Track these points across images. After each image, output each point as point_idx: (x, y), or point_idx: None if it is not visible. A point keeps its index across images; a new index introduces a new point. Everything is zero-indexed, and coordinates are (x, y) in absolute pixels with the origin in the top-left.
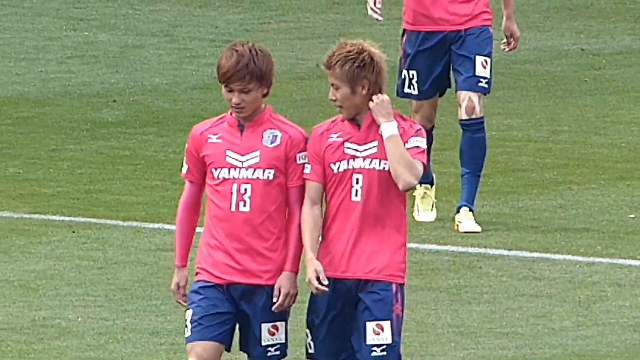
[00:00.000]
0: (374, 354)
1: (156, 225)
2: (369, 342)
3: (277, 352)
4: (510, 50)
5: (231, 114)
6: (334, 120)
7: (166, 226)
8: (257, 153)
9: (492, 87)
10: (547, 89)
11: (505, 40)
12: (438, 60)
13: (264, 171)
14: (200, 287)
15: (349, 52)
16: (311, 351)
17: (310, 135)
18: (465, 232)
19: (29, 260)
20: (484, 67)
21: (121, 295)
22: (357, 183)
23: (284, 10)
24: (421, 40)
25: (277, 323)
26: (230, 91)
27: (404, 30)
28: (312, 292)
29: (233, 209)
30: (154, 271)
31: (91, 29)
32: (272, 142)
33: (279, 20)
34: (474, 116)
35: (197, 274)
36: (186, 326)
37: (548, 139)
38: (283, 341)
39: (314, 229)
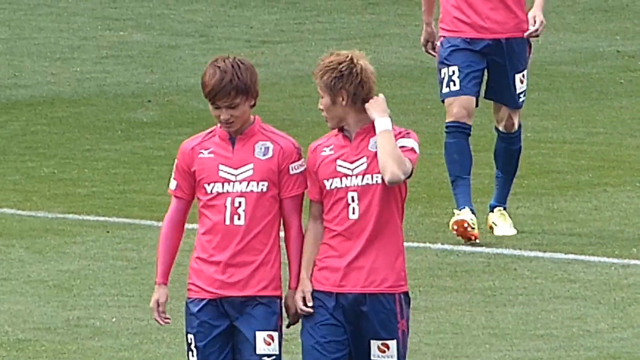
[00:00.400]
0: None
1: (190, 226)
2: (373, 358)
3: None
4: (533, 33)
5: (221, 127)
6: (329, 134)
7: None
8: (251, 166)
9: (528, 88)
10: (582, 90)
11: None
12: (477, 60)
13: (257, 184)
14: (198, 311)
15: (331, 62)
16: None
17: (308, 151)
18: (501, 235)
19: (63, 260)
20: (522, 82)
21: None
22: (352, 201)
23: (319, 10)
24: (460, 42)
25: (272, 333)
26: (218, 108)
27: (442, 37)
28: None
29: (228, 222)
30: (187, 272)
31: (126, 28)
32: (264, 155)
33: (314, 21)
34: (512, 131)
35: (189, 290)
36: (191, 351)
37: (583, 141)
38: (277, 353)
39: (313, 246)
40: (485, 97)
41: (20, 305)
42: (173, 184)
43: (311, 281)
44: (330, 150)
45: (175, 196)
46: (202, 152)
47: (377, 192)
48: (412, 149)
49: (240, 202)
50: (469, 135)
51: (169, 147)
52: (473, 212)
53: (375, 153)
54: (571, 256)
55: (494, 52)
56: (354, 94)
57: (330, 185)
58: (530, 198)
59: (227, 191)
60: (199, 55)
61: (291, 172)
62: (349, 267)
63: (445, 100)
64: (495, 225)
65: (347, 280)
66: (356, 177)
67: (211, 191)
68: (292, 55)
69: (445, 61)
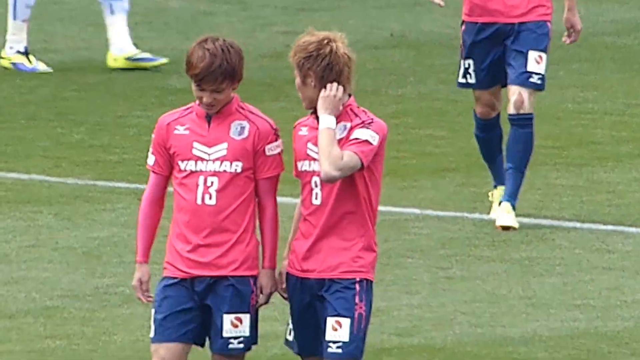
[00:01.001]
0: (329, 349)
1: None
2: (327, 338)
3: (241, 345)
4: (571, 42)
5: (199, 105)
6: (309, 116)
7: None
8: (225, 145)
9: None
10: (623, 61)
11: (566, 32)
12: (493, 51)
13: (231, 164)
14: (164, 286)
15: (304, 42)
16: (289, 337)
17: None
18: (502, 226)
19: (92, 228)
20: (538, 63)
21: None
22: (315, 186)
23: None
24: (477, 31)
25: (241, 315)
26: (202, 90)
27: (463, 21)
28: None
29: (199, 201)
30: None
31: None
32: (239, 134)
33: None
34: (522, 111)
35: (164, 269)
36: (150, 326)
37: (624, 112)
38: (247, 334)
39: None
40: (502, 86)
41: (48, 273)
42: (151, 159)
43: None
44: (306, 130)
45: (153, 171)
46: (177, 128)
47: (338, 181)
48: (366, 141)
49: (212, 182)
50: (498, 121)
51: None
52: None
53: (339, 139)
54: (610, 227)
55: (509, 34)
56: (321, 76)
57: (301, 167)
58: (569, 169)
59: (200, 170)
60: (236, 23)
61: (267, 153)
62: (309, 252)
63: (473, 92)
64: (498, 216)
65: (307, 265)
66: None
67: (185, 168)
68: (331, 24)
69: (464, 51)
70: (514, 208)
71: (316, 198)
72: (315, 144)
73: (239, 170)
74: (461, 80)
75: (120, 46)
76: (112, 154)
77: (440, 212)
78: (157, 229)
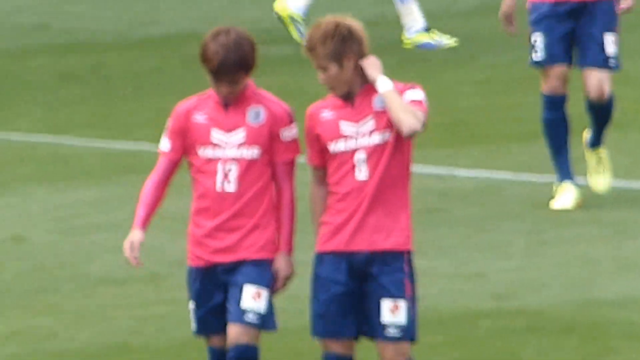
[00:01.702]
0: (387, 333)
1: None
2: (384, 320)
3: (256, 321)
4: (626, 9)
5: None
6: (325, 99)
7: None
8: (242, 131)
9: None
10: None
11: None
12: (563, 25)
13: (248, 149)
14: (194, 278)
15: (326, 30)
16: (316, 330)
17: (306, 116)
18: (556, 209)
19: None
20: (613, 45)
21: None
22: (360, 162)
23: None
24: (547, 8)
25: (261, 290)
26: (218, 82)
27: (529, 2)
28: (316, 269)
29: (218, 188)
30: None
31: None
32: (255, 119)
33: None
34: (604, 98)
35: (188, 257)
36: (192, 318)
37: None
38: (263, 312)
39: (321, 212)
40: (577, 63)
41: (155, 240)
42: (166, 144)
43: (319, 243)
44: (330, 111)
45: (165, 155)
46: (196, 116)
47: (385, 151)
48: (421, 101)
49: (231, 168)
50: (565, 105)
51: (304, 83)
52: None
53: (381, 111)
54: None
55: (580, 14)
56: (358, 52)
57: (334, 148)
58: None
59: (218, 156)
60: None
61: (282, 137)
62: (356, 228)
63: (541, 69)
64: (555, 199)
65: (355, 241)
66: (363, 136)
67: (203, 155)
68: None
69: (532, 28)
70: (599, 144)
71: (360, 173)
72: (351, 120)
73: (256, 155)
74: (533, 57)
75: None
76: None
77: (534, 176)
78: (157, 206)
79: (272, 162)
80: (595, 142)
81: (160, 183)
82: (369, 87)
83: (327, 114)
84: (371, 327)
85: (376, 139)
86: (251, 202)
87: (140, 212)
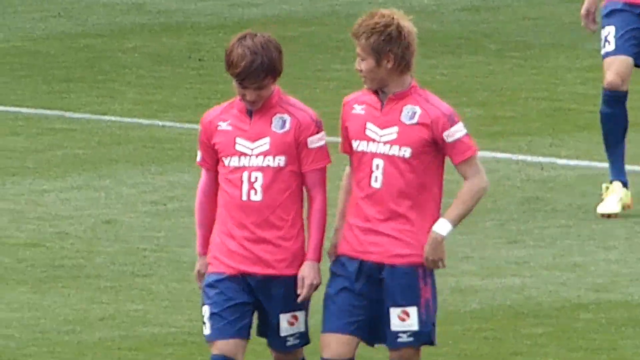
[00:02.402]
0: (400, 339)
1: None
2: (394, 328)
3: (297, 341)
4: None
5: (241, 100)
6: (363, 90)
7: None
8: (267, 140)
9: None
10: None
11: None
12: (635, 21)
13: (274, 158)
14: (215, 281)
15: (377, 23)
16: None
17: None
18: (602, 213)
19: None
20: None
21: None
22: (377, 169)
23: None
24: (621, 5)
25: (297, 313)
26: (244, 87)
27: (604, 2)
28: (331, 265)
29: (244, 197)
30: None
31: None
32: (281, 128)
33: None
34: None
35: (209, 264)
36: (204, 323)
37: None
38: (303, 330)
39: (344, 200)
40: (635, 65)
41: None
42: (199, 156)
43: (338, 242)
44: (362, 109)
45: (203, 167)
46: (220, 125)
47: (402, 165)
48: (466, 136)
49: (257, 177)
50: (625, 101)
51: None
52: (625, 184)
53: (407, 125)
54: None
55: None
56: (401, 57)
57: (357, 146)
58: None
59: (244, 165)
60: None
61: (310, 146)
62: (370, 235)
63: (604, 62)
64: (603, 201)
65: (368, 247)
66: (384, 144)
67: (229, 164)
68: None
69: (604, 22)
70: (627, 186)
71: (376, 181)
72: (376, 125)
73: (282, 164)
74: (603, 50)
75: None
76: (312, 107)
77: (637, 166)
78: (214, 222)
79: (300, 171)
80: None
81: (207, 193)
82: (402, 94)
83: (358, 110)
84: (383, 335)
85: (395, 150)
86: (278, 212)
87: (199, 236)
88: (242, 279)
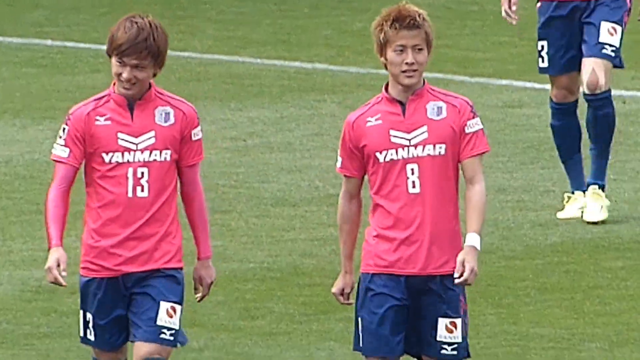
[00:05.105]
0: (444, 351)
1: (504, 82)
2: (439, 338)
3: (171, 338)
4: None
5: (114, 91)
6: (367, 104)
7: (514, 83)
8: (152, 134)
9: (622, 48)
10: None
11: None
12: (569, 31)
13: (161, 152)
14: (95, 288)
15: (417, 12)
16: (360, 344)
17: (344, 124)
18: (589, 222)
19: None
20: (611, 35)
21: None
22: (412, 174)
23: None
24: (552, 9)
25: (176, 305)
26: (122, 65)
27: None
28: (367, 284)
29: (130, 194)
30: (500, 128)
31: None
32: (166, 121)
33: None
34: (597, 91)
35: (84, 267)
36: (87, 328)
37: None
38: (177, 327)
39: (353, 230)
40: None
41: (331, 161)
42: (64, 152)
43: (366, 262)
44: (377, 119)
45: (66, 164)
46: (98, 119)
47: (438, 164)
48: (482, 131)
49: (142, 173)
50: (575, 110)
51: (482, 2)
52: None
53: (435, 121)
54: None
55: (583, 12)
56: (428, 42)
57: (385, 157)
58: None
59: (128, 161)
60: None
61: (193, 139)
62: (411, 246)
63: (549, 76)
64: (585, 207)
65: (409, 261)
66: (415, 147)
67: (110, 161)
68: None
69: (538, 33)
70: (602, 189)
71: (414, 186)
72: (401, 130)
73: (168, 158)
74: (539, 64)
75: None
76: None
77: None
78: (67, 217)
79: (180, 165)
80: (594, 178)
81: (63, 192)
82: (421, 92)
83: (373, 122)
84: (423, 345)
85: (429, 150)
86: (163, 208)
87: (53, 229)
88: (121, 280)
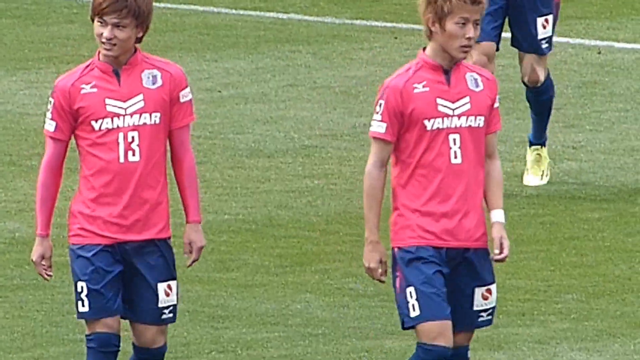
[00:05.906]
0: (481, 319)
1: None
2: (476, 307)
3: (171, 315)
4: None
5: (99, 59)
6: (408, 70)
7: None
8: (141, 97)
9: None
10: None
11: None
12: (495, 1)
13: (150, 115)
14: (91, 256)
15: None
16: (415, 313)
17: (388, 89)
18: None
19: (350, 67)
20: (545, 27)
21: None
22: (454, 144)
23: None
24: None
25: (171, 282)
26: (103, 24)
27: None
28: (404, 259)
29: (122, 160)
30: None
31: None
32: (153, 84)
33: None
34: (538, 85)
35: (76, 235)
36: (81, 300)
37: None
38: (175, 303)
39: (380, 200)
40: (511, 45)
41: (306, 112)
42: (51, 125)
43: (408, 235)
44: (424, 86)
45: (54, 138)
46: (83, 87)
47: (476, 136)
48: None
49: (133, 137)
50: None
51: None
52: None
53: (476, 92)
54: None
55: None
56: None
57: (432, 125)
58: None
59: (118, 126)
60: None
61: (181, 100)
62: (452, 218)
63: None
64: (527, 170)
65: (451, 233)
66: (458, 118)
67: (100, 128)
68: None
69: None
70: (543, 145)
71: (456, 157)
72: (447, 99)
73: (158, 121)
74: None
75: None
76: None
77: None
78: (57, 198)
79: (170, 127)
80: (536, 139)
81: (54, 168)
82: (460, 65)
83: (421, 88)
84: (457, 318)
85: (471, 121)
86: (153, 172)
87: (40, 215)
88: (117, 248)
